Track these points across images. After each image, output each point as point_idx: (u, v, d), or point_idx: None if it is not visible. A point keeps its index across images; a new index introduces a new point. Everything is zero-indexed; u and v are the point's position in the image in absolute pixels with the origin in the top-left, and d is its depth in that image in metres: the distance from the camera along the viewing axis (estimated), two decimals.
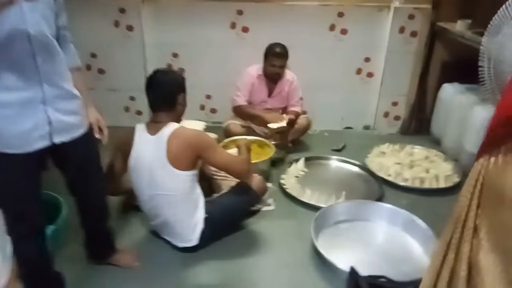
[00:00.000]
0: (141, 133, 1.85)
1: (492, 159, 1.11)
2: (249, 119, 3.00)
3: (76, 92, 1.46)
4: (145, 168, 1.83)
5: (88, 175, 1.60)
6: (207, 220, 1.91)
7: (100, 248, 1.85)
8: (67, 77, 1.43)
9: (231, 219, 2.07)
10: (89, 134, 1.55)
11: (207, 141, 1.84)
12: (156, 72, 1.86)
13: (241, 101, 2.95)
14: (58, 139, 1.40)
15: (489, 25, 1.46)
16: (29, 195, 1.44)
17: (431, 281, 1.26)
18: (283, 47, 2.86)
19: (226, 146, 2.74)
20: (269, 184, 2.58)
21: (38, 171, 1.44)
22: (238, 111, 2.98)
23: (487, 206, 1.14)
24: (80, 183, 1.60)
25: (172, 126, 1.80)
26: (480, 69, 1.52)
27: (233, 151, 2.60)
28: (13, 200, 1.37)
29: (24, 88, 1.29)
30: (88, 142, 1.56)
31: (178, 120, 1.89)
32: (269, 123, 2.83)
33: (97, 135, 1.61)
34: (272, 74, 2.89)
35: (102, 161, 1.69)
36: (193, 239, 1.92)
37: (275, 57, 2.83)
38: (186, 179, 1.82)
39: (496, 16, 1.42)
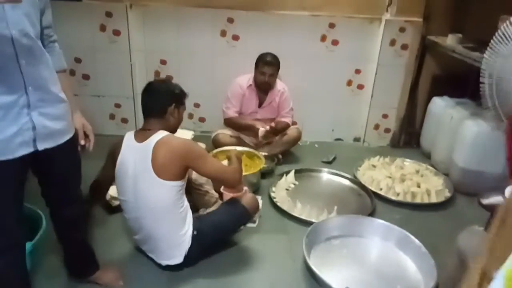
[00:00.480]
0: (128, 140, 1.78)
1: None
2: (241, 130, 2.94)
3: (63, 95, 1.38)
4: (129, 176, 1.74)
5: (68, 183, 1.52)
6: (195, 238, 1.82)
7: (81, 264, 1.74)
8: (53, 80, 1.35)
9: (221, 238, 1.98)
10: (74, 140, 1.47)
11: (197, 150, 1.77)
12: (155, 80, 1.91)
13: (232, 113, 2.89)
14: (42, 146, 1.31)
15: (490, 43, 1.43)
16: (10, 206, 1.33)
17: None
18: (274, 57, 2.82)
19: (215, 157, 2.66)
20: (258, 197, 2.52)
21: (20, 180, 1.34)
22: (229, 123, 2.93)
23: None
24: (59, 192, 1.50)
25: (160, 134, 1.73)
26: (481, 85, 1.49)
27: (223, 162, 2.56)
28: None
29: (7, 92, 1.20)
30: (73, 149, 1.48)
31: (169, 130, 1.80)
32: (255, 131, 2.82)
33: (82, 142, 1.53)
34: (262, 83, 2.84)
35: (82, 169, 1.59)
36: (178, 256, 1.82)
37: (266, 65, 2.79)
38: (171, 189, 1.72)
39: (497, 33, 1.40)
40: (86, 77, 3.13)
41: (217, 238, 1.94)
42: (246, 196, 2.01)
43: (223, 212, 1.97)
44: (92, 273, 1.74)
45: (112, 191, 2.14)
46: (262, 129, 2.81)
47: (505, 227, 0.73)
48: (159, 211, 1.75)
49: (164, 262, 1.85)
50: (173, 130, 1.85)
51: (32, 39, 1.24)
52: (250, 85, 2.90)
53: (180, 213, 1.79)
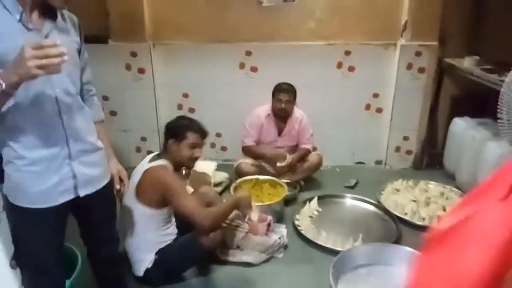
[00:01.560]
0: (146, 159, 2.02)
1: None
2: (257, 158, 3.01)
3: (99, 144, 1.47)
4: (130, 188, 1.87)
5: (106, 225, 1.60)
6: (156, 261, 1.95)
7: None
8: (91, 130, 1.44)
9: (178, 268, 2.04)
10: (110, 184, 1.55)
11: (174, 187, 1.85)
12: (177, 116, 2.14)
13: (249, 142, 2.97)
14: (83, 192, 1.39)
15: (506, 79, 1.46)
16: (53, 249, 1.42)
17: None
18: (290, 85, 2.92)
19: (238, 186, 2.73)
20: (282, 226, 2.55)
21: (61, 224, 1.43)
22: (246, 151, 3.01)
23: None
24: (97, 233, 1.58)
25: (158, 162, 1.92)
26: (499, 121, 1.51)
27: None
28: (37, 255, 1.38)
29: (50, 145, 1.29)
30: (110, 193, 1.56)
31: (175, 163, 1.98)
32: (273, 161, 2.88)
33: (117, 186, 1.61)
34: (280, 110, 2.91)
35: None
36: (138, 271, 1.98)
37: (282, 92, 2.88)
38: (143, 215, 1.89)
39: None
40: (113, 113, 3.29)
41: (174, 267, 2.00)
42: (210, 235, 1.95)
43: (182, 245, 2.01)
44: None
45: None
46: (286, 161, 2.87)
47: None
48: (131, 228, 1.93)
49: (133, 271, 2.00)
50: (178, 163, 1.99)
51: (74, 96, 1.34)
52: (269, 114, 2.98)
53: (146, 237, 1.94)
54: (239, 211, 2.21)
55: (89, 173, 1.40)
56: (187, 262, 2.04)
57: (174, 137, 1.96)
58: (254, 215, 2.24)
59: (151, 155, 2.07)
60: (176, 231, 2.09)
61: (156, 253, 1.96)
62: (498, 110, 1.50)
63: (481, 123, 2.90)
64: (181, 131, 1.97)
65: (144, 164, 1.98)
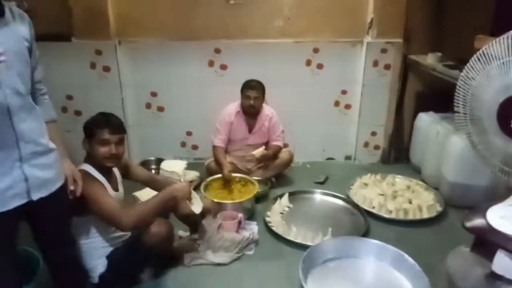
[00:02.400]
0: None
1: None
2: (217, 164, 2.92)
3: (52, 145, 1.43)
4: None
5: (60, 227, 1.55)
6: (109, 264, 1.88)
7: None
8: (42, 132, 1.40)
9: (128, 270, 1.97)
10: (64, 187, 1.51)
11: (89, 193, 1.70)
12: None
13: (217, 142, 2.96)
14: (36, 196, 1.35)
15: (464, 69, 1.51)
16: (5, 255, 1.36)
17: None
18: (258, 81, 2.93)
19: (208, 185, 2.70)
20: (253, 223, 2.56)
21: (14, 230, 1.38)
22: (214, 152, 2.98)
23: None
24: (51, 236, 1.53)
25: (79, 167, 1.77)
26: (456, 114, 1.56)
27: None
28: None
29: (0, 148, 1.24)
30: (64, 194, 1.51)
31: (96, 162, 1.82)
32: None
33: (71, 187, 1.56)
34: (248, 107, 2.91)
35: None
36: (94, 278, 1.89)
37: (250, 89, 2.89)
38: (78, 223, 1.78)
39: (469, 63, 1.47)
40: (78, 113, 3.19)
41: (126, 269, 1.94)
42: (150, 232, 1.84)
43: (126, 246, 1.95)
44: None
45: None
46: (257, 151, 2.87)
47: None
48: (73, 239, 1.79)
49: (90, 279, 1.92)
50: (99, 163, 1.82)
51: (24, 97, 1.29)
52: (238, 111, 2.97)
53: (86, 244, 1.85)
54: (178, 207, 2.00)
55: (42, 176, 1.36)
56: (136, 263, 1.96)
57: (86, 136, 1.83)
58: (196, 208, 2.02)
59: None
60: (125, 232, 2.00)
61: (107, 257, 1.89)
62: (455, 104, 1.55)
63: (444, 118, 3.00)
64: (89, 128, 1.82)
65: None
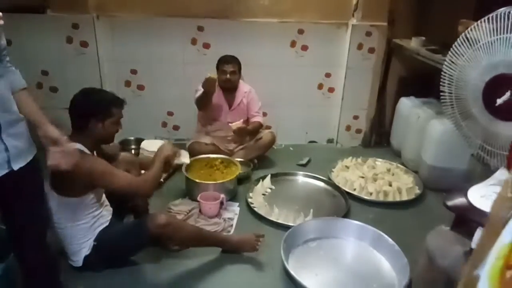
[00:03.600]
0: None
1: None
2: (205, 102, 2.85)
3: (21, 114, 1.38)
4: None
5: (36, 201, 1.50)
6: (94, 247, 1.85)
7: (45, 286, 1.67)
8: (13, 100, 1.35)
9: (120, 252, 1.94)
10: (37, 157, 1.46)
11: (100, 170, 1.70)
12: (83, 89, 1.79)
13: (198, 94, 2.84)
14: (17, 165, 1.32)
15: (450, 51, 1.51)
16: None
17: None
18: (233, 56, 2.88)
19: (191, 166, 2.66)
20: (235, 204, 2.54)
21: None
22: (197, 102, 2.87)
23: None
24: (26, 211, 1.46)
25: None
26: (441, 94, 1.56)
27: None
28: None
29: None
30: (38, 166, 1.47)
31: (96, 142, 1.80)
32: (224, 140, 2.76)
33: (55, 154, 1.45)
34: (225, 81, 2.87)
35: None
36: (76, 261, 1.87)
37: (225, 63, 2.84)
38: (66, 206, 1.74)
39: (458, 39, 1.47)
40: (54, 89, 3.07)
41: (116, 252, 1.91)
42: (155, 217, 1.86)
43: (125, 229, 1.94)
44: None
45: None
46: (235, 123, 2.81)
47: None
48: (55, 219, 1.78)
49: (70, 262, 1.89)
50: (100, 142, 1.82)
51: None
52: (216, 87, 2.91)
53: (77, 226, 1.80)
54: (171, 164, 2.05)
55: (19, 145, 1.33)
56: (131, 247, 1.92)
57: (96, 116, 1.73)
58: (185, 158, 2.14)
59: None
60: (110, 211, 1.97)
61: (95, 240, 1.84)
62: (440, 83, 1.56)
63: (425, 103, 3.03)
64: (105, 108, 1.75)
65: None
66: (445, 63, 1.55)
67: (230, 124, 2.83)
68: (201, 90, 2.84)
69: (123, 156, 2.16)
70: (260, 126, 3.00)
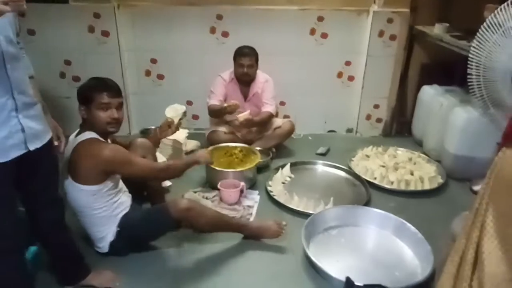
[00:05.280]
0: (72, 134, 1.83)
1: (508, 151, 1.17)
2: (219, 115, 2.91)
3: (36, 98, 1.44)
4: (64, 168, 1.78)
5: (51, 182, 1.54)
6: (118, 233, 1.87)
7: (69, 268, 1.73)
8: (28, 83, 1.39)
9: (144, 237, 1.97)
10: (52, 140, 1.51)
11: (120, 157, 1.74)
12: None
13: (213, 101, 2.89)
14: (33, 146, 1.35)
15: (476, 36, 1.47)
16: (6, 209, 1.35)
17: (443, 265, 1.33)
18: (251, 48, 2.85)
19: (211, 154, 2.66)
20: (255, 192, 2.55)
21: (12, 184, 1.35)
22: (210, 111, 2.92)
23: (496, 195, 1.18)
24: (41, 193, 1.51)
25: (85, 136, 1.74)
26: (468, 77, 1.52)
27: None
28: None
29: None
30: (52, 148, 1.52)
31: (98, 130, 1.77)
32: (229, 113, 2.77)
33: (55, 143, 1.57)
34: (242, 75, 2.86)
35: None
36: (102, 247, 1.91)
37: (242, 56, 2.82)
38: (86, 194, 1.76)
39: (484, 23, 1.43)
40: (76, 79, 3.12)
41: (140, 236, 1.94)
42: (179, 203, 1.90)
43: (148, 214, 1.96)
44: (83, 277, 1.74)
45: None
46: (242, 115, 2.78)
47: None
48: (76, 208, 1.82)
49: (96, 249, 1.93)
50: (101, 130, 1.77)
51: (15, 46, 1.29)
52: (232, 78, 2.92)
53: (99, 213, 1.81)
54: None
55: (34, 127, 1.36)
56: (153, 232, 1.95)
57: (83, 103, 1.74)
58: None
59: (75, 132, 1.83)
60: (129, 197, 2.00)
61: (118, 226, 1.87)
62: (468, 66, 1.52)
63: (448, 91, 2.96)
64: (86, 93, 1.74)
65: (72, 140, 1.77)
66: (472, 48, 1.52)
67: (237, 116, 2.79)
68: (215, 94, 2.87)
69: (140, 142, 2.19)
70: (270, 116, 2.96)
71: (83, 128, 1.79)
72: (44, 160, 1.44)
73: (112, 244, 1.88)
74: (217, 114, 2.92)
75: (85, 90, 1.77)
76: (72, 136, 1.81)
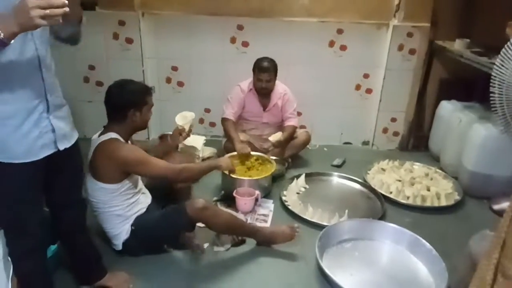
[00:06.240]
0: (96, 134, 1.90)
1: None
2: (227, 137, 2.94)
3: (64, 100, 1.48)
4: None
5: (76, 183, 1.59)
6: (133, 232, 1.93)
7: (88, 268, 1.77)
8: (59, 86, 1.44)
9: (157, 237, 2.00)
10: (78, 141, 1.54)
11: (136, 158, 1.80)
12: (117, 82, 1.89)
13: (228, 114, 2.93)
14: (62, 146, 1.40)
15: (501, 51, 1.47)
16: (33, 208, 1.41)
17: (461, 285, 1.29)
18: (270, 61, 2.85)
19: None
20: (270, 201, 2.57)
21: (40, 182, 1.41)
22: (223, 124, 2.95)
23: None
24: (65, 193, 1.55)
25: (107, 136, 1.81)
26: (491, 94, 1.52)
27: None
28: (17, 213, 1.36)
29: (29, 98, 1.28)
30: (79, 149, 1.55)
31: (132, 131, 1.90)
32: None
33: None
34: (260, 89, 2.89)
35: None
36: (117, 245, 1.96)
37: (261, 72, 2.83)
38: (104, 191, 1.83)
39: (508, 42, 1.43)
40: (99, 83, 3.21)
41: (154, 236, 1.97)
42: (196, 203, 1.92)
43: (164, 213, 1.99)
44: (100, 278, 1.78)
45: None
46: (274, 136, 2.83)
47: None
48: (94, 205, 1.89)
49: (113, 246, 1.99)
50: (135, 130, 1.91)
51: (48, 48, 1.33)
52: (251, 89, 2.95)
53: (114, 211, 1.89)
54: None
55: (64, 127, 1.41)
56: (169, 231, 1.98)
57: (134, 105, 1.83)
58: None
59: (99, 132, 1.90)
60: (148, 198, 2.06)
61: (132, 224, 1.93)
62: (490, 85, 1.52)
63: (467, 107, 2.94)
64: (141, 98, 1.86)
65: (95, 140, 1.84)
66: (495, 66, 1.52)
67: (269, 138, 2.84)
68: (231, 105, 2.91)
69: (157, 146, 2.27)
70: (294, 130, 3.00)
71: (108, 129, 1.86)
72: (70, 160, 1.48)
73: (125, 242, 1.94)
74: (225, 132, 2.95)
75: (139, 94, 1.86)
76: (95, 136, 1.88)
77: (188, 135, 2.36)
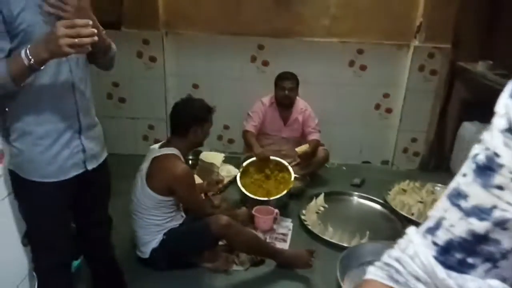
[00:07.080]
0: (155, 146, 2.05)
1: None
2: (247, 146, 2.95)
3: (97, 119, 1.50)
4: (141, 172, 1.96)
5: (102, 202, 1.61)
6: (162, 242, 1.97)
7: (110, 284, 1.77)
8: (93, 106, 1.47)
9: (183, 251, 2.02)
10: (107, 160, 1.56)
11: (186, 183, 1.93)
12: (183, 99, 2.06)
13: (250, 127, 2.94)
14: (90, 166, 1.42)
15: None
16: (62, 225, 1.43)
17: None
18: (292, 73, 2.91)
19: (246, 170, 2.71)
20: (288, 220, 2.55)
21: (70, 200, 1.43)
22: (244, 136, 2.97)
23: None
24: (91, 212, 1.57)
25: (169, 150, 1.92)
26: None
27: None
28: (46, 230, 1.39)
29: (62, 119, 1.31)
30: (107, 168, 1.57)
31: (192, 146, 2.04)
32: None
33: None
34: (283, 98, 2.91)
35: None
36: (144, 253, 2.01)
37: (284, 80, 2.88)
38: (150, 197, 1.92)
39: None
40: (122, 100, 3.28)
41: (180, 249, 1.99)
42: (218, 217, 1.97)
43: (191, 228, 2.02)
44: None
45: None
46: (300, 148, 2.83)
47: None
48: (137, 209, 1.97)
49: (138, 254, 2.04)
50: (194, 146, 2.06)
51: (82, 69, 1.35)
52: (272, 102, 2.98)
53: (153, 220, 1.95)
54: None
55: (94, 148, 1.43)
56: (194, 246, 2.01)
57: (199, 122, 1.96)
58: None
59: (160, 143, 2.06)
60: (183, 216, 2.11)
61: (164, 234, 1.97)
62: None
63: None
64: (205, 115, 1.99)
65: (155, 151, 1.97)
66: None
67: (296, 149, 2.84)
68: (252, 118, 2.94)
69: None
70: (318, 145, 2.99)
71: (171, 143, 1.98)
72: (98, 179, 1.50)
73: (153, 251, 1.97)
74: (245, 142, 2.97)
75: (203, 111, 1.99)
76: (155, 146, 2.01)
77: (224, 187, 2.50)
